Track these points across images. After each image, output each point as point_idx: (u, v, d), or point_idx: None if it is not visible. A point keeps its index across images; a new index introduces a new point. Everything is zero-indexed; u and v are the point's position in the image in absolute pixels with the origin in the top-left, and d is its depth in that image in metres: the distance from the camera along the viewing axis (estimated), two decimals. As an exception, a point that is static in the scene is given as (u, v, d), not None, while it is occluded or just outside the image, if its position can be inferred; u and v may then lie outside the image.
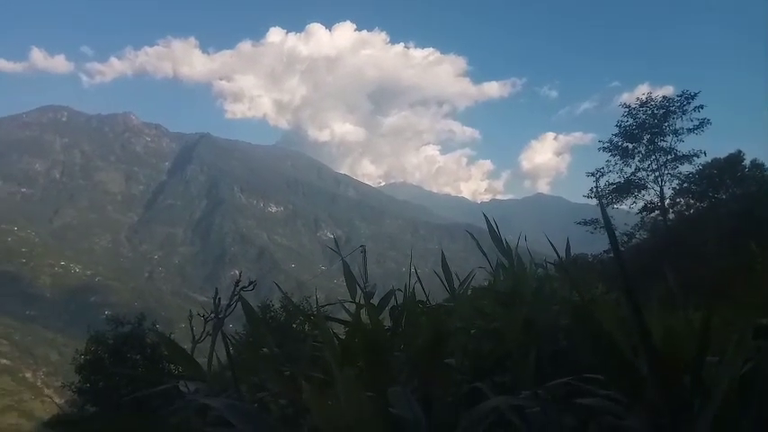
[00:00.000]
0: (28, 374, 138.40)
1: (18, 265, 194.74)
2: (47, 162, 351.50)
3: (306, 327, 17.77)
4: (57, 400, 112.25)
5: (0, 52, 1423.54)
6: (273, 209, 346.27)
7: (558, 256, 2.48)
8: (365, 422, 1.15)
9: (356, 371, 1.52)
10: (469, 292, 2.62)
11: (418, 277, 2.27)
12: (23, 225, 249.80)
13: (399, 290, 2.24)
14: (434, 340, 1.67)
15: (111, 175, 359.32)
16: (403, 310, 2.13)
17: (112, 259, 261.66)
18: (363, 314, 2.05)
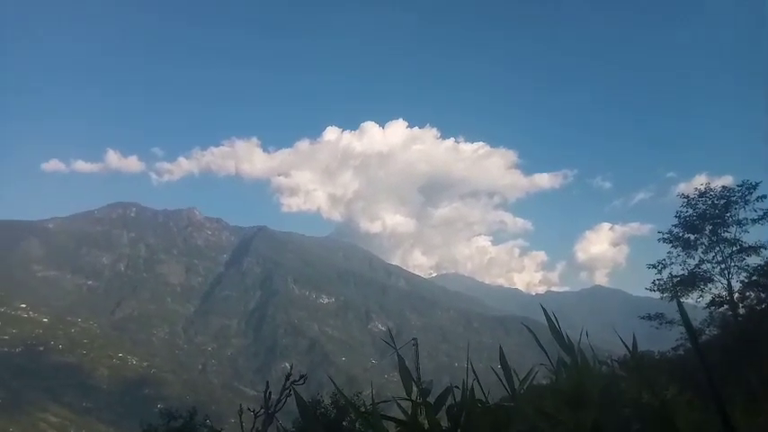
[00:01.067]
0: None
1: (79, 356, 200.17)
2: (113, 255, 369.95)
3: (357, 424, 17.20)
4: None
5: (79, 154, 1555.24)
6: (325, 300, 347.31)
7: (629, 351, 2.32)
8: None
9: None
10: (525, 390, 2.44)
11: (475, 374, 2.17)
12: (87, 317, 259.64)
13: (457, 387, 2.11)
14: None
15: (173, 267, 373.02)
16: (461, 410, 2.00)
17: (168, 351, 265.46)
18: (419, 412, 1.99)
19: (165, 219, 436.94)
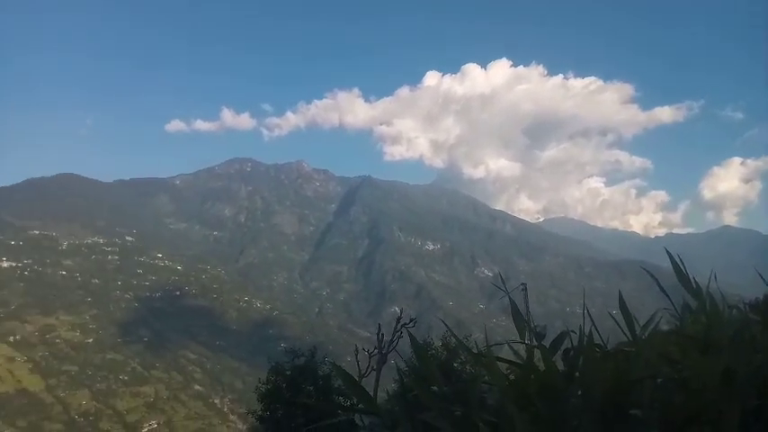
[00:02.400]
0: (216, 401, 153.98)
1: (210, 299, 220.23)
2: (234, 208, 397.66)
3: (467, 367, 17.64)
4: (240, 426, 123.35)
5: (200, 114, 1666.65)
6: (431, 247, 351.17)
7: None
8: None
9: (530, 416, 1.49)
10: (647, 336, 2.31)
11: (591, 318, 2.08)
12: (215, 264, 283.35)
13: (573, 331, 2.04)
14: (617, 388, 1.54)
15: (287, 217, 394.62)
16: (578, 354, 1.93)
17: (288, 295, 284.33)
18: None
19: (276, 172, 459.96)
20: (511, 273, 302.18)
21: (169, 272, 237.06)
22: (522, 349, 1.96)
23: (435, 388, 1.85)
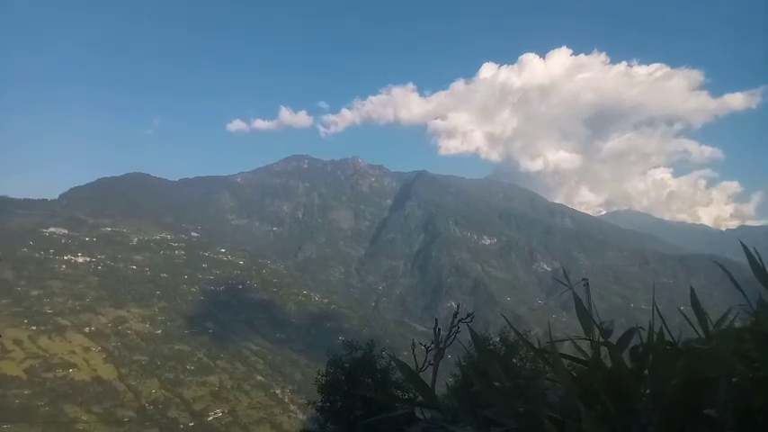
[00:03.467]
0: (277, 391, 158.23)
1: (271, 293, 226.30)
2: (292, 204, 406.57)
3: (526, 363, 17.50)
4: (300, 416, 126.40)
5: (258, 114, 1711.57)
6: (487, 241, 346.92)
7: None
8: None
9: (597, 413, 1.46)
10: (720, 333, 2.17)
11: (660, 314, 1.98)
12: (274, 259, 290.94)
13: (641, 328, 1.95)
14: (689, 387, 1.49)
15: (343, 213, 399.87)
16: (647, 351, 1.84)
17: (345, 289, 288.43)
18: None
19: (332, 168, 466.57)
20: (571, 268, 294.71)
21: (232, 266, 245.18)
22: (585, 346, 1.89)
23: (497, 383, 1.83)
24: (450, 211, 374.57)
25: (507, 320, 2.89)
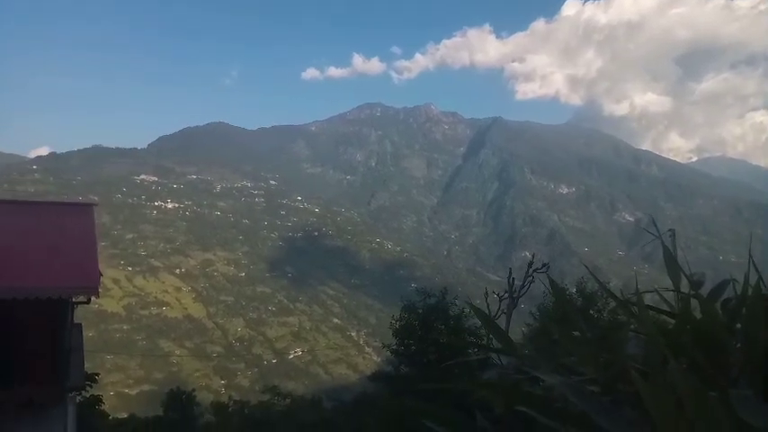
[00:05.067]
0: (353, 333, 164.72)
1: (345, 240, 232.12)
2: (365, 152, 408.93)
3: (604, 314, 17.19)
4: (375, 358, 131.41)
5: (331, 61, 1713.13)
6: (565, 190, 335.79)
7: None
8: (709, 422, 1.05)
9: (685, 366, 1.44)
10: None
11: (755, 267, 1.83)
12: (348, 207, 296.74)
13: (735, 280, 1.84)
14: None
15: (415, 161, 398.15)
16: (741, 304, 1.73)
17: (417, 238, 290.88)
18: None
19: (405, 116, 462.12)
20: (656, 217, 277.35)
21: (308, 214, 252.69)
22: (671, 299, 1.84)
23: (577, 333, 1.81)
24: (526, 159, 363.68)
25: (588, 269, 2.85)
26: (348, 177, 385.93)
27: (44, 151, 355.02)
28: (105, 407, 29.05)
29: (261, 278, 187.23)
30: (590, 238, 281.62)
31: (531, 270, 19.05)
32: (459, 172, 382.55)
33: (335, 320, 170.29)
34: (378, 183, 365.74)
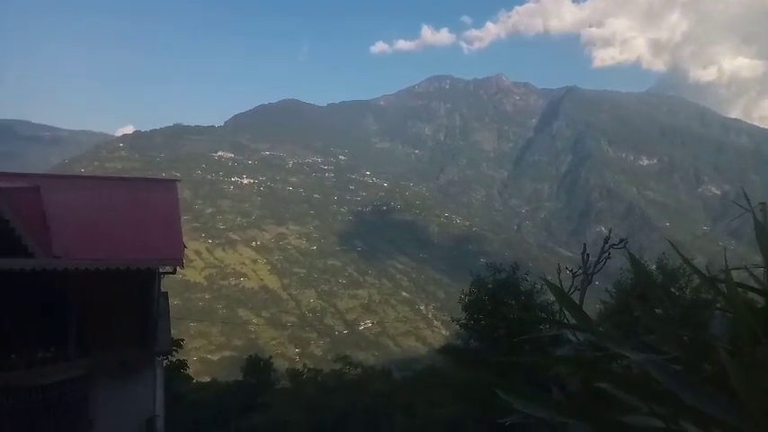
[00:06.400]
0: (421, 307, 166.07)
1: (414, 214, 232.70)
2: (433, 126, 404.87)
3: (686, 292, 16.43)
4: (444, 332, 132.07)
5: (400, 34, 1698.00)
6: (645, 161, 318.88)
7: None
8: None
9: None
10: None
11: None
12: (417, 181, 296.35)
13: None
14: None
15: (485, 134, 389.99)
16: None
17: (486, 212, 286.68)
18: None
19: (475, 88, 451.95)
20: (746, 191, 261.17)
21: (376, 188, 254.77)
22: (761, 276, 1.73)
23: (658, 310, 1.72)
24: (603, 130, 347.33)
25: (672, 244, 2.77)
26: (416, 152, 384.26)
27: (129, 130, 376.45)
28: (189, 371, 31.03)
29: (331, 251, 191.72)
30: (672, 213, 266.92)
31: (607, 246, 18.41)
32: (530, 144, 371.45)
33: (404, 294, 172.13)
34: (446, 157, 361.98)
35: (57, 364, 13.85)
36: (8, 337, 13.35)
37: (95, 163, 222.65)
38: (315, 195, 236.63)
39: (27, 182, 16.55)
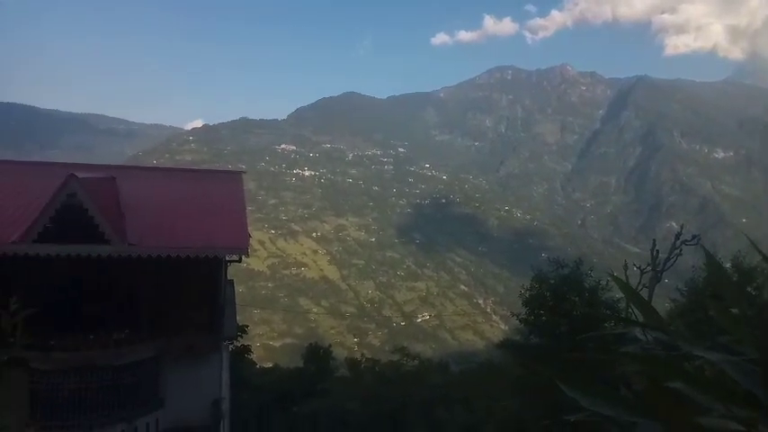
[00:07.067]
0: (480, 301, 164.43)
1: (473, 207, 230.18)
2: (494, 118, 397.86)
3: (764, 292, 15.44)
4: (502, 327, 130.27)
5: (461, 25, 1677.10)
6: (720, 154, 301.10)
7: None
8: None
9: None
10: None
11: None
12: (476, 174, 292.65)
13: None
14: None
15: (548, 126, 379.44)
16: None
17: (548, 206, 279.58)
18: None
19: (538, 78, 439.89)
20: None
21: (436, 181, 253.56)
22: None
23: (735, 310, 1.65)
24: (676, 121, 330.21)
25: (751, 241, 2.70)
26: (476, 144, 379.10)
27: (198, 123, 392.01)
28: (253, 356, 32.08)
29: (390, 244, 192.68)
30: (749, 208, 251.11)
31: (678, 242, 17.49)
32: (596, 136, 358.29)
33: (462, 287, 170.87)
34: (507, 149, 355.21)
35: (130, 345, 14.65)
36: (86, 319, 14.23)
37: (166, 155, 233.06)
38: (374, 188, 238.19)
39: (104, 172, 17.54)
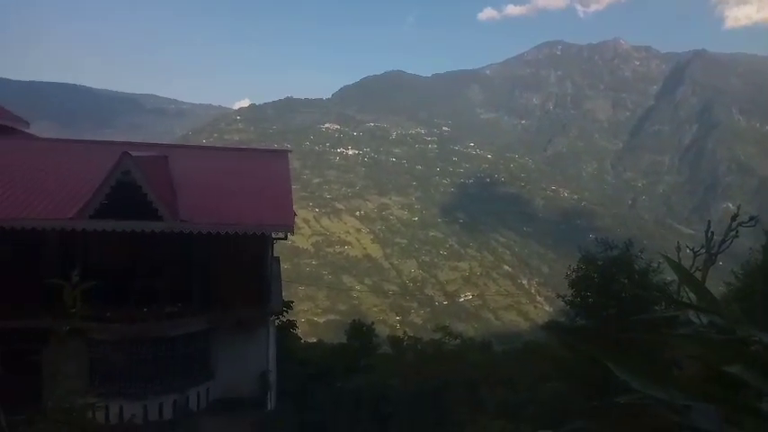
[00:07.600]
0: (524, 281, 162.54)
1: (518, 187, 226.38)
2: (542, 95, 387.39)
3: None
4: (547, 308, 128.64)
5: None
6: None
7: None
8: None
9: None
10: None
11: None
12: (522, 153, 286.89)
13: None
14: None
15: (599, 103, 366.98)
16: None
17: (597, 185, 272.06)
18: None
19: (589, 53, 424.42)
20: None
21: (480, 160, 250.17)
22: None
23: None
24: (735, 97, 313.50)
25: None
26: (523, 122, 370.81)
27: (245, 103, 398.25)
28: (298, 331, 32.83)
29: (433, 223, 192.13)
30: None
31: (734, 223, 16.72)
32: (650, 113, 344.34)
33: (506, 268, 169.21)
34: (555, 127, 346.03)
35: (182, 318, 15.25)
36: (141, 293, 14.88)
37: (215, 135, 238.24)
38: (417, 166, 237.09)
39: (156, 151, 18.11)
